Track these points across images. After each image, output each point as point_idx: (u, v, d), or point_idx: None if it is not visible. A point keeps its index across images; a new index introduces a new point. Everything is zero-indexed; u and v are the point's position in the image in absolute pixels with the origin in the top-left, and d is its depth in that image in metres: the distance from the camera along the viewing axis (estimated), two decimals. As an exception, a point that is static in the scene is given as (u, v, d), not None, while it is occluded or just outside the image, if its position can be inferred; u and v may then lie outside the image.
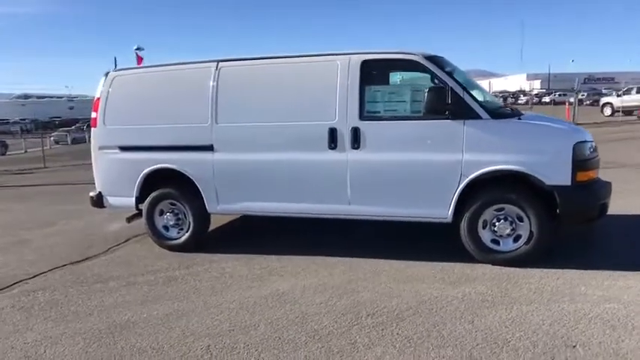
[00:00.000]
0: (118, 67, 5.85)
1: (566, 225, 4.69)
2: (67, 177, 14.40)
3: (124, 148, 5.65)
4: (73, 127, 42.15)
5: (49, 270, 5.21)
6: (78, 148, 30.11)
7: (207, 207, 5.42)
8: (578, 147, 4.32)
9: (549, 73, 52.08)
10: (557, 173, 4.32)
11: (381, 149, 4.75)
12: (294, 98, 5.03)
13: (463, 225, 4.63)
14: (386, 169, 4.74)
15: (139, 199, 5.69)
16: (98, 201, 5.91)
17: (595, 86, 53.88)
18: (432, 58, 4.72)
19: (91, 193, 6.00)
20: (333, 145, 4.85)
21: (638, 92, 24.44)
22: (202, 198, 5.40)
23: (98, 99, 5.78)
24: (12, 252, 6.02)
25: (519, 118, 4.63)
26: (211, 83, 5.27)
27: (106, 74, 5.82)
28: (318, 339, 3.38)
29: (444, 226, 4.81)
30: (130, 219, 6.02)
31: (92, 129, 5.86)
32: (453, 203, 4.60)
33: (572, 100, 25.65)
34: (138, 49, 50.47)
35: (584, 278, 4.18)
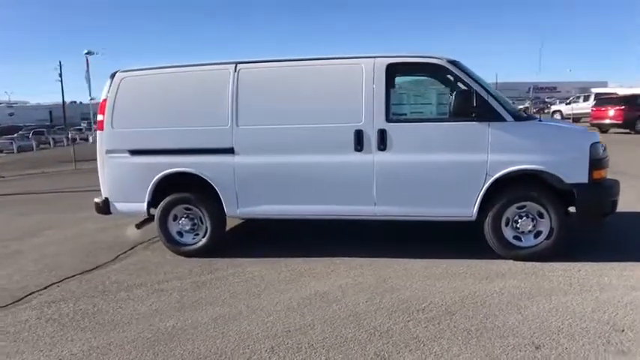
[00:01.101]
0: (125, 68, 5.65)
1: (580, 221, 4.98)
2: (28, 186, 13.67)
3: (134, 152, 5.47)
4: (16, 135, 39.88)
5: (61, 280, 4.94)
6: (26, 156, 28.54)
7: (226, 211, 5.34)
8: (593, 147, 4.64)
9: (496, 82, 55.02)
10: (575, 172, 4.60)
11: (407, 151, 4.88)
12: (317, 100, 5.07)
13: (487, 223, 4.83)
14: (412, 171, 4.86)
15: (151, 205, 5.52)
16: (104, 207, 5.67)
17: (539, 95, 57.07)
18: (454, 63, 4.91)
19: (96, 200, 5.76)
20: (359, 147, 4.93)
21: (585, 100, 26.17)
22: (221, 202, 5.32)
23: (105, 101, 5.57)
24: (8, 264, 5.65)
25: (540, 121, 4.91)
26: (230, 85, 5.22)
27: (113, 75, 5.62)
28: (380, 335, 3.43)
29: (454, 225, 4.99)
30: (139, 225, 5.82)
31: (98, 132, 5.63)
32: (478, 202, 4.79)
33: (521, 107, 27.10)
34: (88, 53, 48.45)
35: (604, 270, 4.47)
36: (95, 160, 5.71)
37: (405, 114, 4.92)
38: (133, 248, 6.03)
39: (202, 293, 4.40)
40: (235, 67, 5.27)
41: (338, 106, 5.01)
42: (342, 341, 3.37)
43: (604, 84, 56.42)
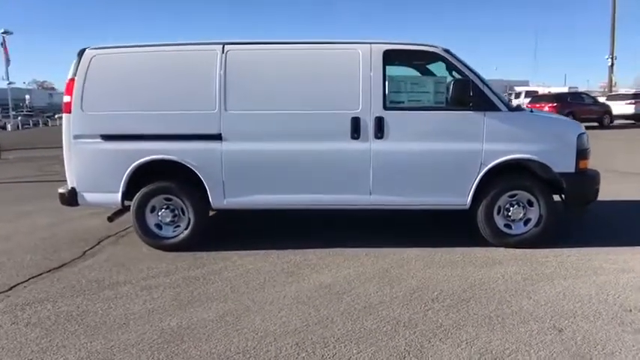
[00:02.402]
0: (95, 45, 5.11)
1: (565, 209, 5.18)
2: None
3: (108, 137, 4.98)
4: None
5: (27, 280, 4.40)
6: None
7: (211, 201, 5.01)
8: (580, 138, 4.84)
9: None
10: (564, 161, 4.78)
11: (404, 139, 4.82)
12: (312, 86, 4.88)
13: (480, 211, 4.90)
14: (409, 159, 4.82)
15: (126, 195, 5.07)
16: (71, 198, 5.13)
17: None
18: (449, 52, 4.92)
19: (61, 190, 5.20)
20: (356, 135, 4.81)
21: (526, 96, 27.68)
22: (206, 192, 4.98)
23: (72, 80, 5.01)
24: (-46, 262, 4.96)
25: (531, 111, 5.04)
26: (218, 67, 4.88)
27: (81, 53, 5.07)
28: (404, 326, 3.35)
29: (439, 214, 5.01)
30: (112, 218, 5.33)
31: (65, 115, 5.07)
32: (472, 191, 4.84)
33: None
34: (5, 32, 44.67)
35: (591, 255, 4.68)
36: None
37: (403, 102, 4.85)
38: (99, 243, 5.52)
39: (199, 289, 4.09)
40: (223, 47, 4.94)
41: (334, 92, 4.85)
42: (367, 334, 3.25)
43: (525, 83, 60.25)
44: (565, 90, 29.76)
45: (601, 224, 5.81)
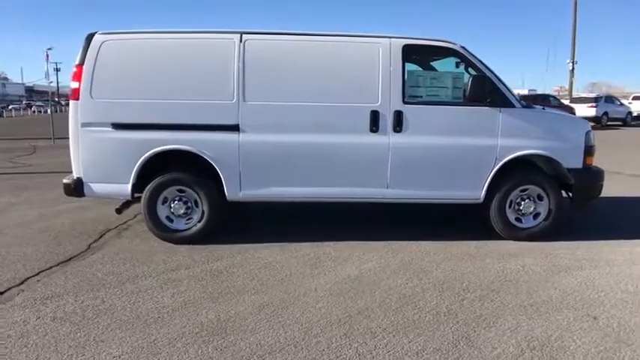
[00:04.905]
0: (104, 30, 4.88)
1: (570, 204, 5.37)
2: None
3: (119, 126, 4.79)
4: None
5: (37, 273, 4.17)
6: None
7: (227, 193, 4.91)
8: (587, 135, 5.04)
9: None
10: (573, 157, 4.97)
11: (422, 133, 4.88)
12: (331, 78, 4.85)
13: (493, 205, 5.02)
14: (427, 153, 4.88)
15: (136, 186, 4.89)
16: (77, 188, 4.91)
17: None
18: (465, 48, 5.00)
19: (66, 180, 4.97)
20: (374, 128, 4.82)
21: None
22: (222, 183, 4.88)
23: (80, 66, 4.79)
24: (-51, 256, 4.64)
25: (543, 108, 5.20)
26: (236, 57, 4.78)
27: (90, 37, 4.84)
28: (445, 316, 3.39)
29: (438, 207, 5.08)
30: (120, 209, 5.14)
31: (72, 102, 4.83)
32: (486, 185, 4.96)
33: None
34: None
35: (599, 247, 4.89)
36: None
37: (421, 96, 4.90)
38: (102, 236, 5.30)
39: (225, 282, 4.00)
40: (241, 37, 4.83)
41: (354, 85, 4.85)
42: (411, 324, 3.27)
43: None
44: (525, 92, 30.95)
45: (597, 218, 6.07)
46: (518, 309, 3.50)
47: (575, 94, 30.20)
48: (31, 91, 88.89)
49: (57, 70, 73.00)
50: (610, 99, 25.49)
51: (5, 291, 3.81)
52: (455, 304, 3.59)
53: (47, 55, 55.70)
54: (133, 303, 3.59)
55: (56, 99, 72.32)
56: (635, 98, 27.85)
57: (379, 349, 2.95)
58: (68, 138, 4.93)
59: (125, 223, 5.78)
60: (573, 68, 29.49)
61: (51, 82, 62.46)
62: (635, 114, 24.67)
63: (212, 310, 3.46)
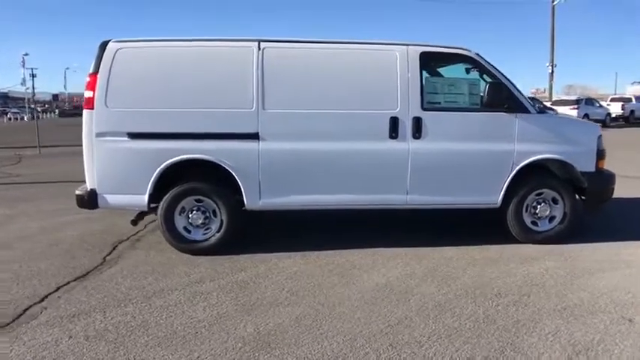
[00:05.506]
0: (118, 39, 4.77)
1: (584, 207, 5.46)
2: None
3: (135, 135, 4.69)
4: None
5: (57, 289, 4.03)
6: None
7: (246, 202, 4.85)
8: (599, 139, 5.14)
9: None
10: (586, 161, 5.06)
11: (440, 139, 4.90)
12: (350, 85, 4.85)
13: (510, 209, 5.07)
14: (446, 159, 4.91)
15: (153, 197, 4.79)
16: (90, 200, 4.78)
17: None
18: (479, 55, 5.06)
19: (79, 191, 4.84)
20: (394, 135, 4.83)
21: None
22: (241, 192, 4.81)
23: (94, 75, 4.67)
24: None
25: (557, 113, 5.28)
26: (254, 64, 4.74)
27: (104, 45, 4.73)
28: (484, 322, 3.40)
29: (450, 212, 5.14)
30: (136, 221, 5.02)
31: (86, 111, 4.71)
32: (504, 190, 5.01)
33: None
34: None
35: (615, 249, 4.97)
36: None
37: (439, 102, 4.94)
38: (115, 248, 5.17)
39: (255, 293, 3.93)
40: (258, 45, 4.79)
41: (372, 92, 4.85)
42: (454, 331, 3.27)
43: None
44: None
45: (607, 220, 6.19)
46: (553, 313, 3.53)
47: (555, 97, 30.89)
48: (5, 98, 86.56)
49: (33, 76, 71.27)
50: (590, 101, 26.20)
51: (27, 308, 3.68)
52: (490, 309, 3.61)
53: (23, 61, 54.32)
54: (165, 318, 3.50)
55: (32, 106, 70.75)
56: (613, 100, 28.66)
57: (429, 359, 2.94)
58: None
59: (136, 234, 5.65)
60: (553, 71, 30.19)
61: (27, 89, 60.95)
62: (613, 115, 25.39)
63: (250, 323, 3.40)
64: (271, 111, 4.73)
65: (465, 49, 5.02)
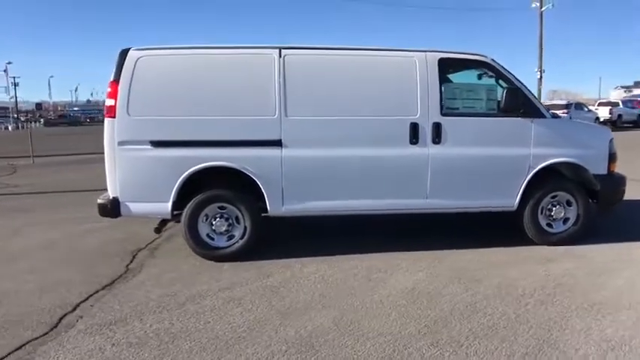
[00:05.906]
0: (139, 47, 4.81)
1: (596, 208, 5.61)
2: None
3: (158, 144, 4.72)
4: None
5: (87, 298, 4.04)
6: None
7: (269, 209, 4.90)
8: (611, 143, 5.31)
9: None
10: (599, 164, 5.22)
11: (459, 144, 5.01)
12: (371, 92, 4.94)
13: (527, 212, 5.19)
14: (465, 164, 5.02)
15: (176, 205, 4.82)
16: (113, 208, 4.79)
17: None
18: (495, 61, 5.19)
19: (101, 200, 4.84)
20: (414, 140, 4.93)
21: None
22: (264, 199, 4.86)
23: (115, 83, 4.70)
24: (-18, 284, 4.43)
25: (570, 118, 5.43)
26: (276, 72, 4.81)
27: (124, 53, 4.76)
28: (517, 321, 3.49)
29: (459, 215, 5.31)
30: (159, 228, 5.04)
31: (107, 120, 4.72)
32: (520, 193, 5.13)
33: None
34: None
35: (629, 249, 5.12)
36: None
37: (458, 108, 5.05)
38: (135, 256, 5.18)
39: (287, 297, 3.98)
40: (280, 52, 4.86)
41: (393, 99, 4.95)
42: (489, 330, 3.35)
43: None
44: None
45: (612, 221, 6.35)
46: (581, 311, 3.64)
47: (542, 102, 31.42)
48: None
49: (15, 84, 70.35)
50: (579, 105, 26.72)
51: (62, 317, 3.68)
52: (520, 309, 3.70)
53: (7, 70, 53.71)
54: (204, 324, 3.53)
55: (15, 115, 69.66)
56: (600, 104, 29.25)
57: (472, 357, 3.01)
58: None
59: (153, 242, 5.66)
60: (541, 77, 30.74)
61: (11, 98, 60.27)
62: (601, 120, 25.90)
63: (289, 327, 3.45)
64: (294, 118, 4.80)
65: (482, 55, 5.15)
